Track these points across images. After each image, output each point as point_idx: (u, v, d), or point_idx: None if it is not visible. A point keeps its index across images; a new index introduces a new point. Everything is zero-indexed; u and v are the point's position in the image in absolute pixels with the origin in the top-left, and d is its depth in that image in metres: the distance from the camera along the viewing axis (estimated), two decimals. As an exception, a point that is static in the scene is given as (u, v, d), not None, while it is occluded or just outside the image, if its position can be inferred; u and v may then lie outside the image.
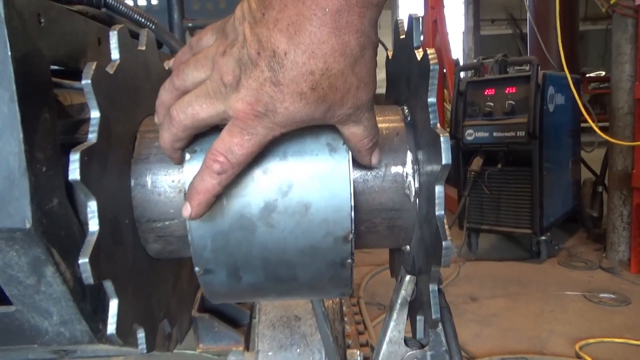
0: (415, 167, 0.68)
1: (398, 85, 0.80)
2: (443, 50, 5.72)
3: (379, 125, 0.72)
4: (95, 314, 0.70)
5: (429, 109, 0.60)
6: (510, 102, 3.24)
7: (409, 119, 0.72)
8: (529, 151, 3.17)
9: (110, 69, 0.63)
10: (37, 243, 0.58)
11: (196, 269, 0.64)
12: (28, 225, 0.57)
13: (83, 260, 0.55)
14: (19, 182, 0.56)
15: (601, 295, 2.66)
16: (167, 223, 0.69)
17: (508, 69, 3.45)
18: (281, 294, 0.72)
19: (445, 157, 0.55)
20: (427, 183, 0.64)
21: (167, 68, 0.86)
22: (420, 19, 0.66)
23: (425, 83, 0.61)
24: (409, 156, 0.69)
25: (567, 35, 3.89)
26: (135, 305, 0.67)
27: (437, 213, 0.58)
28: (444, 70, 5.63)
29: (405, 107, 0.74)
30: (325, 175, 0.61)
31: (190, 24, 2.44)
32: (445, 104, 6.01)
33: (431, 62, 0.59)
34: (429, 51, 0.60)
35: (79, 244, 0.66)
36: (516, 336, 2.24)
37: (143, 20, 0.92)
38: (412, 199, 0.68)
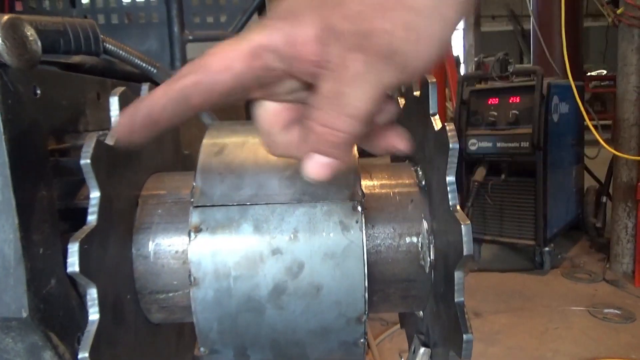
0: (430, 237, 0.65)
1: (411, 140, 0.76)
2: (444, 53, 5.68)
3: (393, 189, 0.69)
4: (95, 388, 0.67)
5: (448, 188, 0.56)
6: (514, 111, 3.20)
7: (423, 183, 0.69)
8: (532, 162, 3.14)
9: (111, 140, 0.60)
10: (34, 330, 0.56)
11: (201, 349, 0.61)
12: (25, 315, 0.54)
13: (83, 356, 0.52)
14: (15, 270, 0.53)
15: (606, 310, 2.64)
16: (170, 295, 0.66)
17: (511, 77, 3.41)
18: (290, 368, 0.69)
19: (467, 249, 0.51)
20: (444, 258, 0.61)
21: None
22: (433, 83, 0.63)
23: (443, 159, 0.57)
24: (424, 226, 0.65)
25: (571, 39, 3.85)
26: (138, 381, 0.64)
27: (456, 300, 0.55)
28: (446, 74, 5.60)
29: (419, 170, 0.71)
30: (337, 256, 0.58)
31: (190, 37, 2.40)
32: (445, 103, 5.98)
33: (451, 141, 0.55)
34: (448, 127, 0.56)
35: (78, 320, 0.63)
36: (521, 356, 2.22)
37: (144, 64, 0.88)
38: (427, 270, 0.65)
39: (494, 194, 3.32)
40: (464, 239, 0.51)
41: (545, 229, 3.16)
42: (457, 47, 15.53)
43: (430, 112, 0.63)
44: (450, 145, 0.55)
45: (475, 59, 3.80)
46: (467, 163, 3.40)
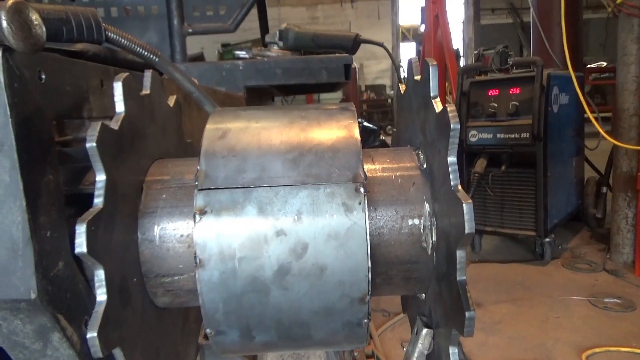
0: (432, 219, 0.66)
1: (412, 125, 0.77)
2: (444, 44, 5.67)
3: (395, 173, 0.70)
4: (103, 370, 0.68)
5: (450, 169, 0.57)
6: (514, 103, 3.20)
7: (424, 166, 0.70)
8: (532, 153, 3.14)
9: (115, 124, 0.61)
10: (43, 312, 0.56)
11: (207, 330, 0.62)
12: (33, 296, 0.54)
13: (91, 335, 0.52)
14: (23, 252, 0.54)
15: (606, 300, 2.65)
16: (176, 278, 0.67)
17: (511, 69, 3.41)
18: (294, 349, 0.70)
19: (469, 227, 0.52)
20: (445, 240, 0.62)
21: (171, 105, 0.84)
22: (434, 66, 0.63)
23: (445, 140, 0.58)
24: (426, 208, 0.66)
25: (571, 30, 3.84)
26: (144, 363, 0.65)
27: (458, 279, 0.56)
28: (445, 63, 5.59)
29: (421, 153, 0.71)
30: (341, 236, 0.58)
31: (190, 30, 2.40)
32: (445, 96, 5.98)
33: (452, 121, 0.56)
34: (449, 108, 0.57)
35: (86, 303, 0.64)
36: (522, 344, 2.23)
37: (146, 53, 0.89)
38: (429, 252, 0.66)
39: (495, 185, 3.33)
40: (466, 217, 0.52)
41: (545, 219, 3.16)
42: (457, 40, 15.49)
43: (431, 94, 0.63)
44: (452, 126, 0.56)
45: (475, 52, 3.79)
46: (468, 154, 3.41)
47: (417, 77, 0.70)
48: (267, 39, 2.55)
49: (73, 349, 0.61)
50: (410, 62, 0.73)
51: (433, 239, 0.66)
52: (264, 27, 3.81)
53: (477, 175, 3.25)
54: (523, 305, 2.66)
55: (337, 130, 0.65)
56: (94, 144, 0.54)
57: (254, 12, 3.68)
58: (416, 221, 0.66)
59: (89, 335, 0.52)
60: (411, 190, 0.68)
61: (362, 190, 0.59)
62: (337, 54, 2.43)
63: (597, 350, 2.12)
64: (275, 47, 2.54)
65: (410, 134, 0.78)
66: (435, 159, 0.63)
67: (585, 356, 2.08)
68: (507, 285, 2.95)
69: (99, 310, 0.54)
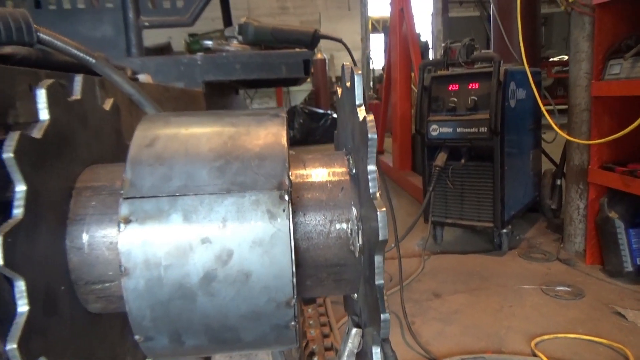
0: (359, 223, 0.68)
1: (345, 129, 0.79)
2: (409, 39, 5.72)
3: (325, 178, 0.72)
4: (34, 378, 0.68)
5: (369, 177, 0.59)
6: (473, 97, 3.27)
7: (354, 171, 0.72)
8: (490, 147, 3.22)
9: (38, 133, 0.60)
10: (-38, 322, 0.56)
11: (136, 337, 0.63)
12: (-50, 307, 0.54)
13: (11, 347, 0.52)
14: (-62, 264, 0.53)
15: (557, 288, 2.77)
16: (107, 285, 0.67)
17: (475, 64, 3.47)
18: (227, 352, 0.72)
19: (382, 234, 0.55)
20: (369, 243, 0.64)
21: (107, 109, 0.83)
22: (358, 75, 0.65)
23: (365, 148, 0.60)
24: (354, 212, 0.68)
25: (528, 26, 3.95)
26: (76, 370, 0.65)
27: (376, 283, 0.58)
28: (411, 59, 5.65)
29: (351, 159, 0.73)
30: (265, 243, 0.60)
31: (146, 23, 2.35)
32: (412, 86, 6.02)
33: (370, 131, 0.58)
34: (368, 118, 0.59)
35: (12, 313, 0.64)
36: (476, 333, 2.31)
37: (82, 55, 0.88)
38: (357, 255, 0.68)
39: (455, 179, 3.41)
40: (380, 224, 0.54)
41: (502, 211, 3.26)
42: (426, 32, 15.67)
43: (356, 103, 0.65)
44: (369, 136, 0.58)
45: (443, 45, 3.85)
46: (429, 148, 3.47)
47: (348, 84, 0.72)
48: (227, 33, 2.52)
49: (-3, 359, 0.61)
50: (343, 69, 0.74)
51: (360, 242, 0.68)
52: (227, 18, 3.76)
53: (437, 168, 3.32)
54: (480, 295, 2.75)
55: (265, 138, 0.66)
56: (11, 155, 0.54)
57: (214, 3, 3.62)
58: (344, 225, 0.68)
59: (8, 347, 0.52)
60: (340, 195, 0.70)
61: (286, 197, 0.61)
62: (296, 50, 2.44)
63: (545, 337, 2.22)
64: (235, 42, 2.52)
65: (345, 138, 0.80)
66: (360, 165, 0.65)
67: (534, 343, 2.17)
68: (466, 275, 3.04)
69: (19, 322, 0.54)
